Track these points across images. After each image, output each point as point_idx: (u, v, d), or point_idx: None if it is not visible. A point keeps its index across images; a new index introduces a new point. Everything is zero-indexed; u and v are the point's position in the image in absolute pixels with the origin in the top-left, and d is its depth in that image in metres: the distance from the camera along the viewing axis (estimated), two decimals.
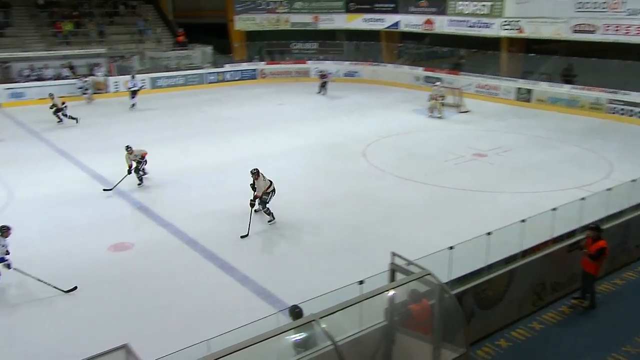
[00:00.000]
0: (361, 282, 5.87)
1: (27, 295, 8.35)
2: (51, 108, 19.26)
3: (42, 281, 8.28)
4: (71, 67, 25.35)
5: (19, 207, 11.73)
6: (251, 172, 10.74)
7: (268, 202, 10.91)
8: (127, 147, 12.75)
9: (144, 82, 24.47)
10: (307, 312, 5.51)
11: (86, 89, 23.69)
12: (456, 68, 26.29)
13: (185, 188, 13.09)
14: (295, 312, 5.86)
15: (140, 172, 12.99)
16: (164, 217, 11.26)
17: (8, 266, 8.28)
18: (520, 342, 7.38)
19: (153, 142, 16.94)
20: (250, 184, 10.81)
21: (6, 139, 17.55)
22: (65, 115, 19.33)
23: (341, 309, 4.88)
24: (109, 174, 13.80)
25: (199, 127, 19.42)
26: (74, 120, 19.37)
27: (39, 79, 24.28)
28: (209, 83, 28.09)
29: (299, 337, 5.26)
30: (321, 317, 4.73)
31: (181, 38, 29.23)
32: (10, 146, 16.72)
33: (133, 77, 23.51)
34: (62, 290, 8.32)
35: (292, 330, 5.02)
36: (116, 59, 26.53)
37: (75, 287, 8.43)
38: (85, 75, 24.78)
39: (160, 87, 26.58)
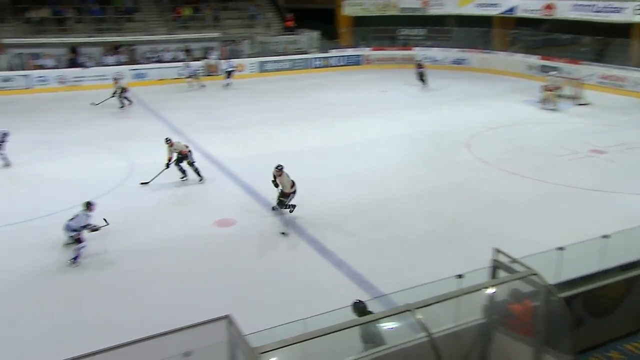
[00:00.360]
0: (460, 276, 5.67)
1: (130, 264, 8.98)
2: (114, 93, 19.81)
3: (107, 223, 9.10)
4: (187, 51, 26.90)
5: (138, 179, 12.68)
6: (276, 167, 10.30)
7: (287, 203, 10.44)
8: (167, 140, 12.26)
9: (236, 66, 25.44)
10: (401, 301, 5.42)
11: (191, 75, 23.82)
12: (577, 57, 24.34)
13: (286, 170, 13.38)
14: (359, 307, 5.78)
15: (188, 167, 12.31)
16: (266, 197, 11.62)
17: (96, 229, 8.94)
18: (636, 356, 6.74)
19: (258, 124, 17.63)
20: (273, 183, 10.41)
21: (130, 116, 19.05)
22: (123, 97, 19.82)
23: (438, 302, 4.74)
24: (217, 152, 14.54)
25: (302, 111, 19.78)
26: (128, 103, 19.90)
27: (159, 61, 26.05)
28: (314, 68, 28.48)
29: (369, 333, 5.18)
30: (417, 308, 4.62)
31: (290, 23, 29.85)
32: (133, 123, 18.13)
33: (228, 59, 25.03)
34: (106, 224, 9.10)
35: (385, 319, 4.97)
36: (228, 43, 27.73)
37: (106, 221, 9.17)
38: (198, 59, 26.19)
39: (268, 70, 27.40)
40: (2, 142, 13.22)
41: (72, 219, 8.82)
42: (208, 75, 25.58)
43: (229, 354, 4.14)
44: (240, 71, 26.43)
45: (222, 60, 26.18)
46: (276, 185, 10.40)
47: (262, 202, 11.42)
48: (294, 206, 10.56)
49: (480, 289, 5.30)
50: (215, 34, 27.67)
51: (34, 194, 11.66)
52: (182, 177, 12.41)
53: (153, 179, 12.21)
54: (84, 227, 8.81)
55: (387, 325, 5.20)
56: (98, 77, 24.19)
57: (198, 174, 12.41)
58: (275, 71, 27.49)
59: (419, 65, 23.82)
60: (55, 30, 25.18)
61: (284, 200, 10.41)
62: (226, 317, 4.14)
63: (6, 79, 22.67)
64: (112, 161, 13.97)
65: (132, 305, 7.78)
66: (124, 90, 19.91)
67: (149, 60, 26.07)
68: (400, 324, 5.19)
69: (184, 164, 12.30)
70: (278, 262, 9.06)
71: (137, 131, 16.87)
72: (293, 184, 10.41)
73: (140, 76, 24.76)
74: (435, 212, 10.89)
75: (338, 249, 9.33)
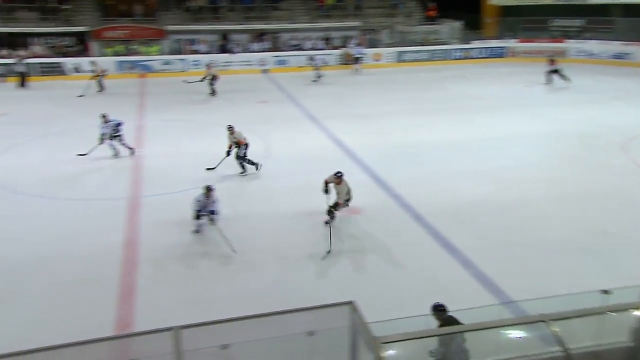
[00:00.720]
0: (606, 292, 5.12)
1: (259, 243, 9.36)
2: (204, 78, 20.26)
3: (225, 238, 8.91)
4: (327, 39, 27.48)
5: (273, 162, 13.26)
6: (335, 175, 9.36)
7: (334, 214, 9.49)
8: (229, 127, 12.08)
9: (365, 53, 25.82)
10: (532, 310, 5.05)
11: (315, 66, 23.39)
12: None
13: (417, 162, 13.17)
14: (438, 310, 5.48)
15: (240, 159, 12.07)
16: (394, 188, 11.53)
17: (212, 220, 9.16)
18: None
19: (392, 114, 17.50)
20: (324, 190, 9.40)
21: (270, 100, 20.00)
22: (213, 85, 20.15)
23: (579, 316, 4.32)
24: (348, 140, 14.70)
25: (439, 103, 19.23)
26: (213, 94, 20.13)
27: (299, 48, 26.96)
28: (454, 59, 27.53)
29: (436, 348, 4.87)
30: (553, 320, 4.26)
31: (432, 13, 29.11)
32: (272, 107, 18.99)
33: (356, 46, 25.36)
34: (233, 250, 8.77)
35: (516, 326, 4.66)
36: (368, 32, 27.82)
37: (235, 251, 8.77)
38: (337, 47, 26.65)
39: (405, 61, 27.05)
40: (118, 133, 13.10)
41: (198, 197, 9.20)
42: (346, 64, 25.94)
43: (350, 339, 4.17)
44: (377, 60, 26.48)
45: (359, 49, 26.35)
46: (326, 192, 9.42)
47: (389, 192, 11.35)
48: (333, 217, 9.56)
49: (630, 309, 4.73)
50: (356, 23, 27.92)
51: (175, 170, 12.55)
52: (242, 170, 12.22)
53: (217, 165, 12.31)
54: (204, 209, 9.15)
55: (515, 333, 4.87)
56: (244, 62, 25.74)
57: (243, 167, 12.17)
58: (412, 61, 27.04)
59: (552, 61, 21.50)
60: (210, 18, 27.22)
61: (334, 210, 9.46)
62: (350, 303, 4.17)
63: (166, 62, 25.05)
64: (251, 143, 14.69)
65: (259, 281, 8.16)
66: (214, 77, 20.39)
67: (290, 47, 27.12)
68: (531, 334, 4.84)
69: (241, 155, 12.07)
70: (402, 254, 8.93)
71: (276, 116, 17.62)
72: (348, 192, 9.49)
73: (281, 63, 25.89)
74: (578, 219, 9.98)
75: (465, 247, 8.96)
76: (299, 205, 10.84)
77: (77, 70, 22.93)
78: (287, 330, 4.08)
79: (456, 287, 7.81)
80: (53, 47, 25.03)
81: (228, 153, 12.11)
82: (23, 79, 21.72)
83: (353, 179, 12.13)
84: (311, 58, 23.66)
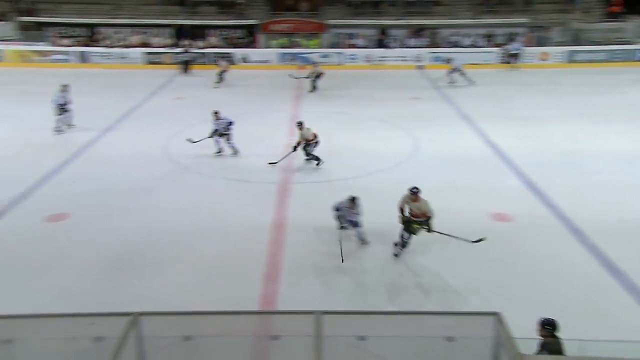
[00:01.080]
0: None
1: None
2: (309, 75, 20.34)
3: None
4: (489, 37, 26.16)
5: (420, 160, 13.05)
6: (411, 191, 8.10)
7: (412, 236, 8.35)
8: (299, 123, 12.23)
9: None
10: None
11: (455, 68, 21.61)
12: None
13: (579, 172, 12.05)
14: (549, 326, 4.87)
15: (306, 151, 12.29)
16: (550, 197, 10.67)
17: (352, 229, 8.89)
18: None
19: (554, 118, 16.23)
20: (401, 219, 8.28)
21: (422, 97, 19.67)
22: (315, 82, 20.24)
23: None
24: (502, 142, 13.93)
25: (613, 108, 17.33)
26: (313, 90, 19.98)
27: (457, 45, 26.05)
28: (638, 61, 24.46)
29: None
30: None
31: (616, 8, 26.12)
32: (425, 104, 18.66)
33: (514, 41, 24.66)
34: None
35: None
36: (536, 30, 25.94)
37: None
38: (499, 45, 25.28)
39: (576, 61, 24.72)
40: (228, 131, 13.11)
41: (339, 203, 8.92)
42: (507, 63, 24.51)
43: (492, 351, 3.94)
44: (543, 60, 24.67)
45: (518, 45, 24.69)
46: (402, 212, 8.32)
47: (544, 202, 10.55)
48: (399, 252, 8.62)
49: None
50: (524, 20, 26.18)
51: (325, 160, 12.63)
52: (308, 159, 12.51)
53: (281, 159, 12.42)
54: (345, 218, 8.88)
55: None
56: (400, 58, 25.61)
57: (316, 159, 12.40)
58: (585, 62, 24.61)
59: None
60: (370, 12, 27.54)
61: (410, 233, 8.34)
62: (495, 314, 3.94)
63: (324, 55, 25.92)
64: (400, 140, 14.63)
65: (401, 278, 8.14)
66: (319, 75, 20.37)
67: (449, 44, 26.35)
68: None
69: (309, 149, 12.29)
70: (555, 270, 8.23)
71: (429, 113, 17.27)
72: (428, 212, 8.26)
73: (437, 59, 25.27)
74: None
75: (633, 270, 8.00)
76: (441, 205, 10.49)
77: (244, 60, 24.74)
78: (427, 332, 3.99)
79: (618, 314, 7.04)
80: (226, 38, 27.41)
81: (295, 148, 12.27)
82: (186, 67, 24.16)
83: (504, 184, 11.59)
84: (448, 60, 22.16)
